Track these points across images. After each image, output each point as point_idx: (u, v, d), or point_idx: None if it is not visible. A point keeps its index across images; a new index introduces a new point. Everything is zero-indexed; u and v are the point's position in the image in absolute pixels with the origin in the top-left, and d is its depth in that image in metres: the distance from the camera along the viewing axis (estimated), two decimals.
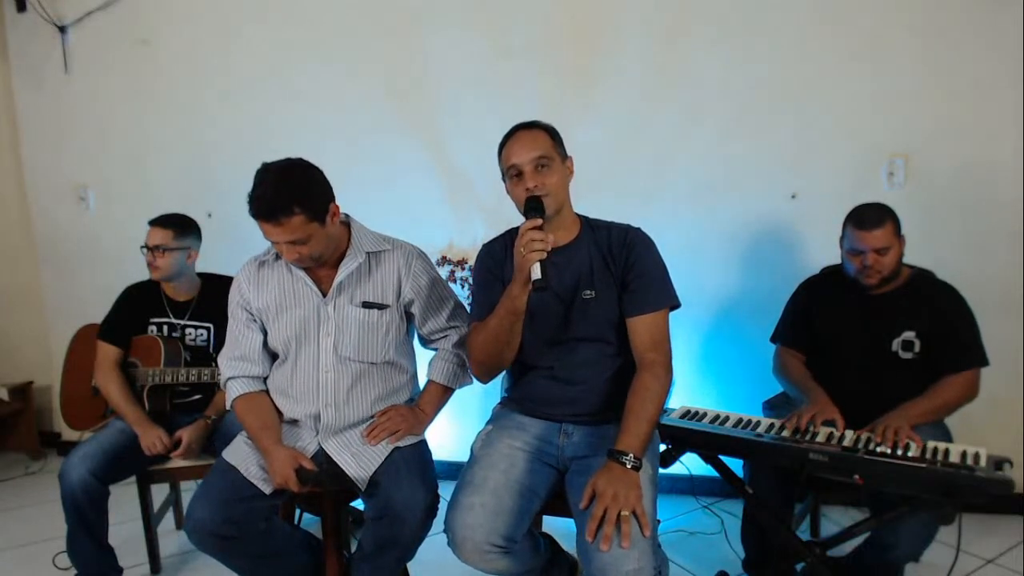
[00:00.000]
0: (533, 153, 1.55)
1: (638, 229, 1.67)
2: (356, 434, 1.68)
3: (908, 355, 1.85)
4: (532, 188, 1.54)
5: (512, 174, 1.58)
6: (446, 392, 1.81)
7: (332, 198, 1.62)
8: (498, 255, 1.71)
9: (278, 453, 1.59)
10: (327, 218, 1.60)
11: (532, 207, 1.51)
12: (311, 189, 1.56)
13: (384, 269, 1.73)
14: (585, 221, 1.70)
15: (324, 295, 1.68)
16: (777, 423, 1.82)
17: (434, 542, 1.61)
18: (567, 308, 1.62)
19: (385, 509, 1.54)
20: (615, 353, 1.64)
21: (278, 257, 1.72)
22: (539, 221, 1.47)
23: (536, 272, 1.42)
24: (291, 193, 1.51)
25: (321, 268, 1.70)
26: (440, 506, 1.60)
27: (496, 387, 1.93)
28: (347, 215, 1.77)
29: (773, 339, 2.09)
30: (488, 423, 1.73)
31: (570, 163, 1.64)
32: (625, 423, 1.49)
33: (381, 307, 1.71)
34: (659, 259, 1.65)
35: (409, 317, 1.79)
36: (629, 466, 1.43)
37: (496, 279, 1.68)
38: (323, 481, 1.55)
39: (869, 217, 1.84)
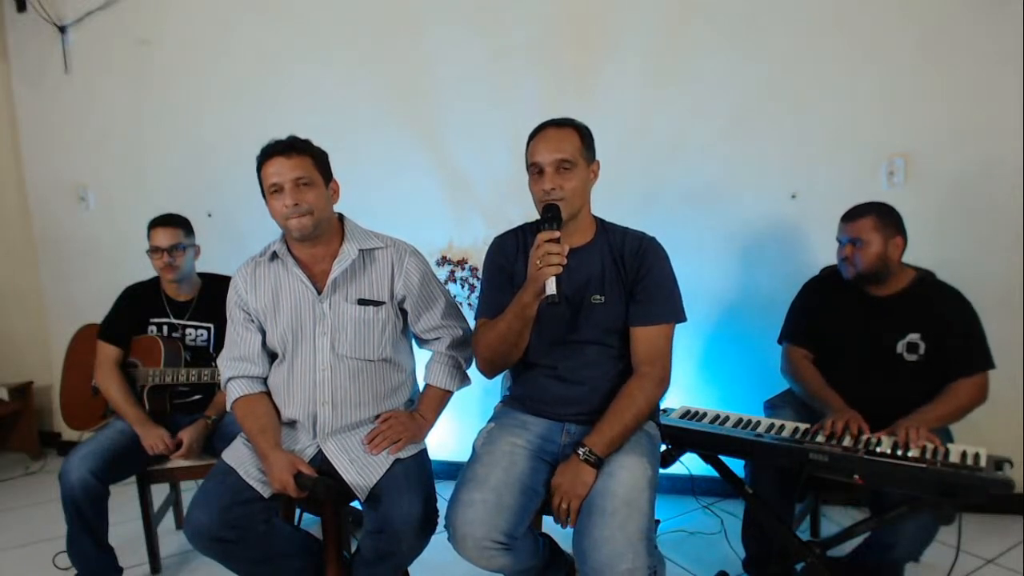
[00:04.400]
0: (556, 155, 1.54)
1: (653, 239, 1.67)
2: (356, 439, 1.67)
3: (913, 357, 1.85)
4: (550, 190, 1.53)
5: (534, 171, 1.58)
6: (445, 395, 1.80)
7: (333, 177, 1.74)
8: (509, 251, 1.71)
9: (276, 458, 1.58)
10: (329, 184, 1.70)
11: (549, 216, 1.50)
12: (321, 151, 1.71)
13: (378, 266, 1.72)
14: (601, 224, 1.69)
15: (319, 293, 1.68)
16: (777, 423, 1.82)
17: (435, 541, 1.61)
18: (575, 310, 1.62)
19: (384, 524, 1.54)
20: (618, 356, 1.64)
21: (274, 257, 1.72)
22: (556, 233, 1.46)
23: (551, 287, 1.41)
24: (307, 143, 1.68)
25: (315, 265, 1.70)
26: (440, 506, 1.60)
27: (497, 386, 1.93)
28: (341, 214, 1.77)
29: (780, 340, 2.09)
30: (490, 421, 1.73)
31: (596, 167, 1.64)
32: (599, 422, 1.53)
33: (377, 304, 1.70)
34: (670, 272, 1.64)
35: (404, 315, 1.78)
36: (583, 459, 1.48)
37: (506, 276, 1.68)
38: (320, 490, 1.55)
39: (853, 209, 1.90)
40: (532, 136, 1.62)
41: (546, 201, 1.54)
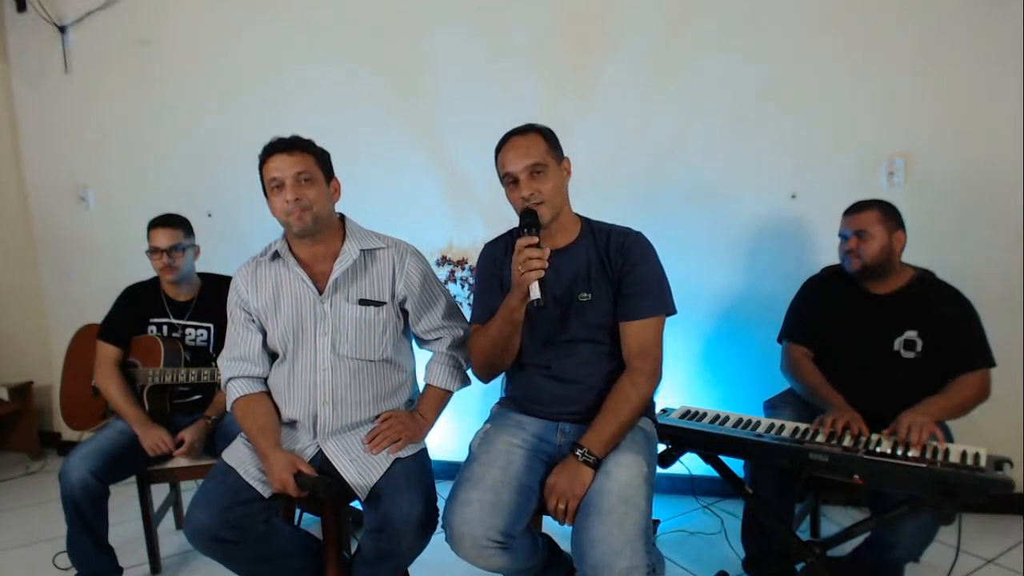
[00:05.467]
0: (527, 161, 1.55)
1: (638, 234, 1.67)
2: (356, 439, 1.67)
3: (910, 354, 1.85)
4: (527, 196, 1.55)
5: (508, 181, 1.60)
6: (445, 395, 1.80)
7: (335, 176, 1.74)
8: (499, 257, 1.72)
9: (276, 457, 1.58)
10: (330, 182, 1.70)
11: (527, 222, 1.51)
12: (323, 151, 1.71)
13: (379, 266, 1.72)
14: (586, 223, 1.70)
15: (320, 293, 1.68)
16: (777, 423, 1.82)
17: (434, 541, 1.61)
18: (564, 309, 1.63)
19: (385, 523, 1.54)
20: (609, 353, 1.65)
21: (275, 257, 1.72)
22: (535, 239, 1.47)
23: (535, 292, 1.43)
24: (309, 142, 1.68)
25: (317, 264, 1.70)
26: (440, 506, 1.60)
27: (495, 386, 1.93)
28: (342, 214, 1.78)
29: (780, 339, 2.09)
30: (487, 422, 1.74)
31: (567, 164, 1.65)
32: (595, 421, 1.54)
33: (378, 304, 1.70)
34: (657, 265, 1.65)
35: (405, 315, 1.78)
36: (581, 460, 1.48)
37: (496, 281, 1.70)
38: (320, 489, 1.55)
39: (856, 204, 1.93)
40: (498, 149, 1.63)
41: (525, 207, 1.55)
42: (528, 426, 1.67)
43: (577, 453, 1.50)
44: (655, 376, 1.60)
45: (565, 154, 1.66)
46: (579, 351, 1.63)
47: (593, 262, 1.64)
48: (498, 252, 1.73)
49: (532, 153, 1.56)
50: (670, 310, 1.64)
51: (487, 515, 1.45)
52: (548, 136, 1.62)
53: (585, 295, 1.62)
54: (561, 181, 1.62)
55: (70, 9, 3.22)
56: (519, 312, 1.52)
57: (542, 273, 1.43)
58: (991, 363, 1.81)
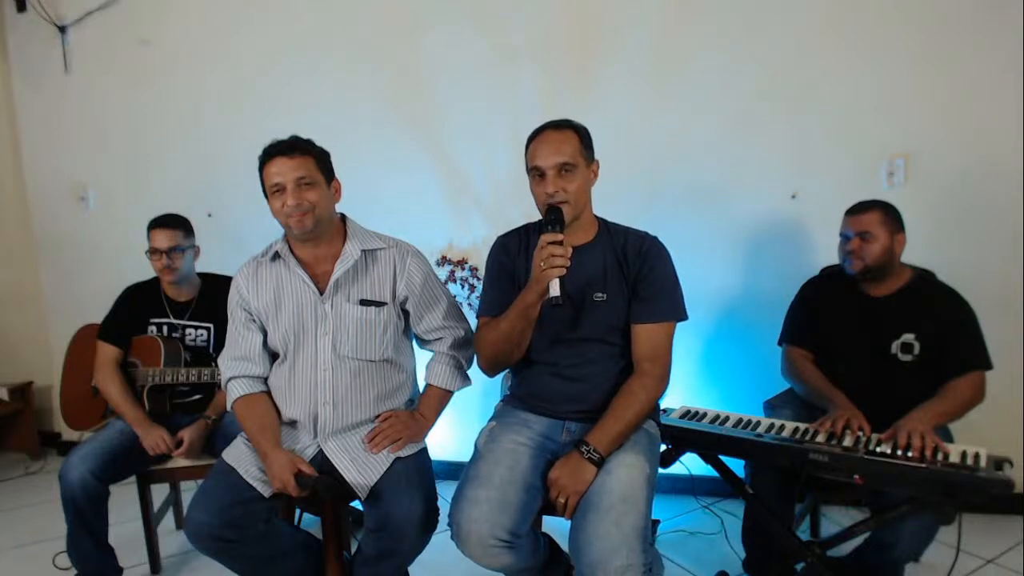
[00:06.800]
0: (557, 159, 1.55)
1: (655, 238, 1.68)
2: (356, 439, 1.67)
3: (907, 358, 1.85)
4: (552, 193, 1.54)
5: (535, 174, 1.59)
6: (446, 395, 1.80)
7: (335, 177, 1.74)
8: (512, 251, 1.72)
9: (277, 457, 1.58)
10: (331, 184, 1.70)
11: (552, 219, 1.51)
12: (323, 151, 1.71)
13: (380, 266, 1.72)
14: (603, 223, 1.71)
15: (321, 293, 1.68)
16: (777, 423, 1.82)
17: (435, 541, 1.61)
18: (577, 308, 1.63)
19: (385, 522, 1.55)
20: (619, 354, 1.65)
21: (276, 257, 1.72)
22: (559, 235, 1.46)
23: (555, 289, 1.43)
24: (309, 143, 1.68)
25: (318, 265, 1.70)
26: (440, 506, 1.61)
27: (495, 386, 1.94)
28: (343, 214, 1.78)
29: (780, 341, 2.09)
30: (492, 419, 1.74)
31: (596, 167, 1.65)
32: (602, 419, 1.54)
33: (379, 304, 1.70)
34: (672, 272, 1.66)
35: (406, 315, 1.78)
36: (585, 456, 1.48)
37: (507, 276, 1.69)
38: (321, 488, 1.55)
39: (859, 204, 1.91)
40: (531, 139, 1.62)
41: (549, 204, 1.54)
42: (534, 424, 1.67)
43: (582, 450, 1.50)
44: (664, 380, 1.61)
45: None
46: (589, 350, 1.64)
47: (610, 263, 1.64)
48: (511, 245, 1.72)
49: (564, 151, 1.55)
50: (682, 316, 1.65)
51: (495, 514, 1.45)
52: (583, 135, 1.61)
53: (600, 295, 1.62)
54: (587, 183, 1.62)
55: (70, 9, 3.22)
56: (535, 309, 1.51)
57: (564, 271, 1.43)
58: (988, 366, 1.81)
